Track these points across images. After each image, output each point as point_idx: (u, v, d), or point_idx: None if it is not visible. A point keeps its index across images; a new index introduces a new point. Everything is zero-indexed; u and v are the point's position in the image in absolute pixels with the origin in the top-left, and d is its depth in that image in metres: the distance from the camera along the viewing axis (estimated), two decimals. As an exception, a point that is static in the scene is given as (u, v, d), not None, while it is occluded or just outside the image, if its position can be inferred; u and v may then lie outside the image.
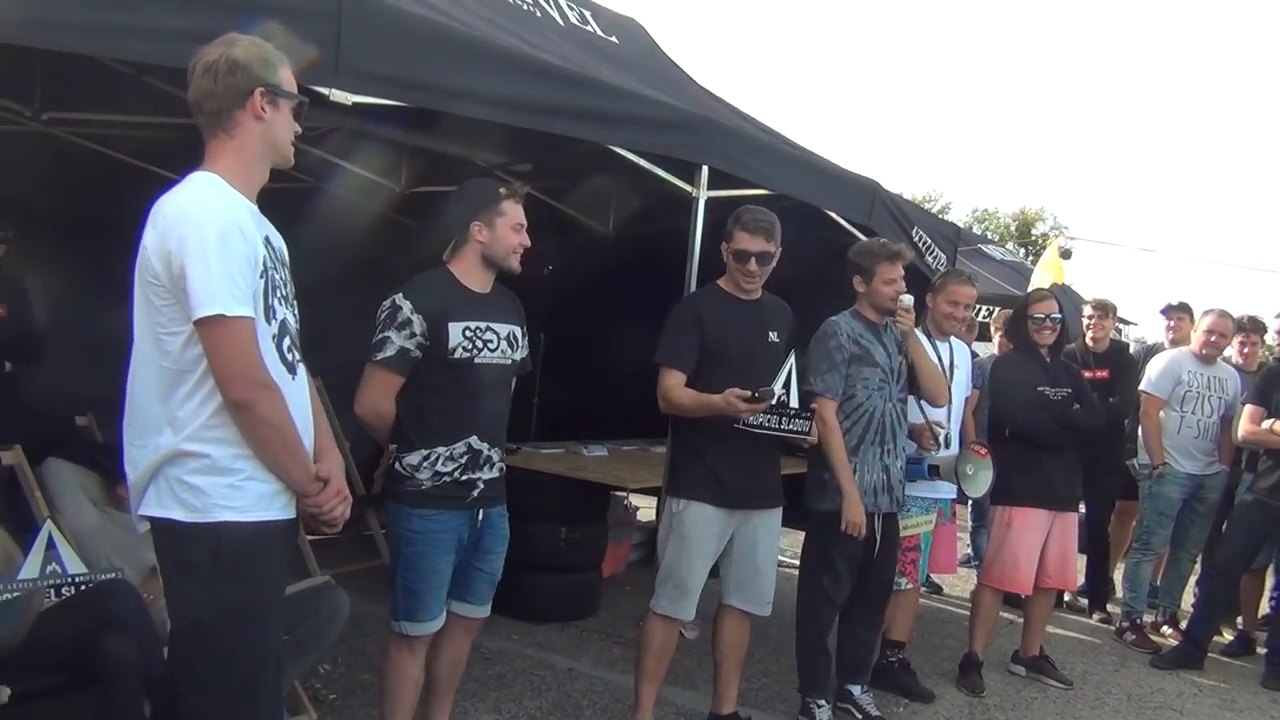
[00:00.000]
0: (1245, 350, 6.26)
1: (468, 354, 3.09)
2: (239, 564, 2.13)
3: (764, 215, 3.66)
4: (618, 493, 6.31)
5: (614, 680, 4.51)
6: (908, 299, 4.03)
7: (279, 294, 2.24)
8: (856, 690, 4.30)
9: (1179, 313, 6.61)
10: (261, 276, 2.16)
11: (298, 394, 2.26)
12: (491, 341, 3.15)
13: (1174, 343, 6.53)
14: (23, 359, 4.50)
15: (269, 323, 2.18)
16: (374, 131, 4.65)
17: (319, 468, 2.27)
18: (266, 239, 2.25)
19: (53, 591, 3.12)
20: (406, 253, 6.47)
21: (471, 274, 3.18)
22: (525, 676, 4.47)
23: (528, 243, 3.21)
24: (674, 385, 3.60)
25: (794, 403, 3.62)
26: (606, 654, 4.92)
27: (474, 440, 3.11)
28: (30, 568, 3.17)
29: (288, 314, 2.28)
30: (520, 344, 3.29)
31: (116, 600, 3.08)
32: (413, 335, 3.02)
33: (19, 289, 4.37)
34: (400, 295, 3.05)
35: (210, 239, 2.05)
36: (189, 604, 2.16)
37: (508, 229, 3.15)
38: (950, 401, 4.56)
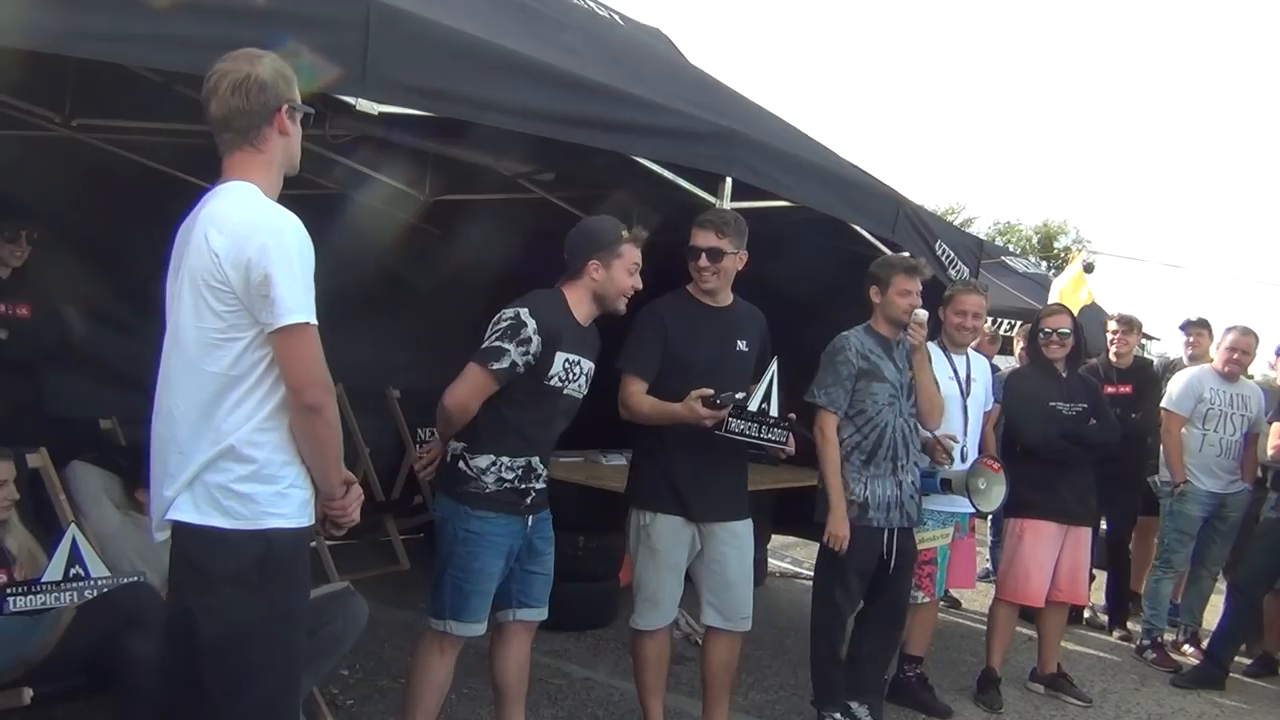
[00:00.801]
0: None
1: (560, 384, 3.19)
2: (284, 569, 2.19)
3: (721, 212, 3.66)
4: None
5: (630, 689, 4.48)
6: (921, 313, 4.01)
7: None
8: (854, 704, 4.21)
9: (1198, 329, 6.56)
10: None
11: None
12: (576, 375, 3.25)
13: (1193, 359, 6.48)
14: (49, 356, 4.53)
15: None
16: (399, 140, 4.67)
17: (346, 473, 2.34)
18: None
19: (76, 594, 3.15)
20: (430, 261, 6.52)
21: (580, 306, 3.26)
22: (541, 685, 4.47)
23: (639, 286, 3.28)
24: (635, 393, 3.55)
25: (774, 412, 3.51)
26: (623, 663, 4.90)
27: (535, 460, 3.22)
28: (54, 570, 3.20)
29: None
30: (589, 380, 3.36)
31: (139, 603, 3.10)
32: (527, 353, 3.08)
33: (43, 291, 4.41)
34: (526, 310, 3.09)
35: (293, 248, 2.13)
36: (233, 610, 2.18)
37: (623, 271, 3.23)
38: (967, 416, 4.54)
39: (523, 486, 3.19)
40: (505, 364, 3.06)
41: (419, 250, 6.49)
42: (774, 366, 3.62)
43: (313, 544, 4.40)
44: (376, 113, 2.94)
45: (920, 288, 4.08)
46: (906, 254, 5.06)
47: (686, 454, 3.58)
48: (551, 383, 3.16)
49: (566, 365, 3.17)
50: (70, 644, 2.97)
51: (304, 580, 2.30)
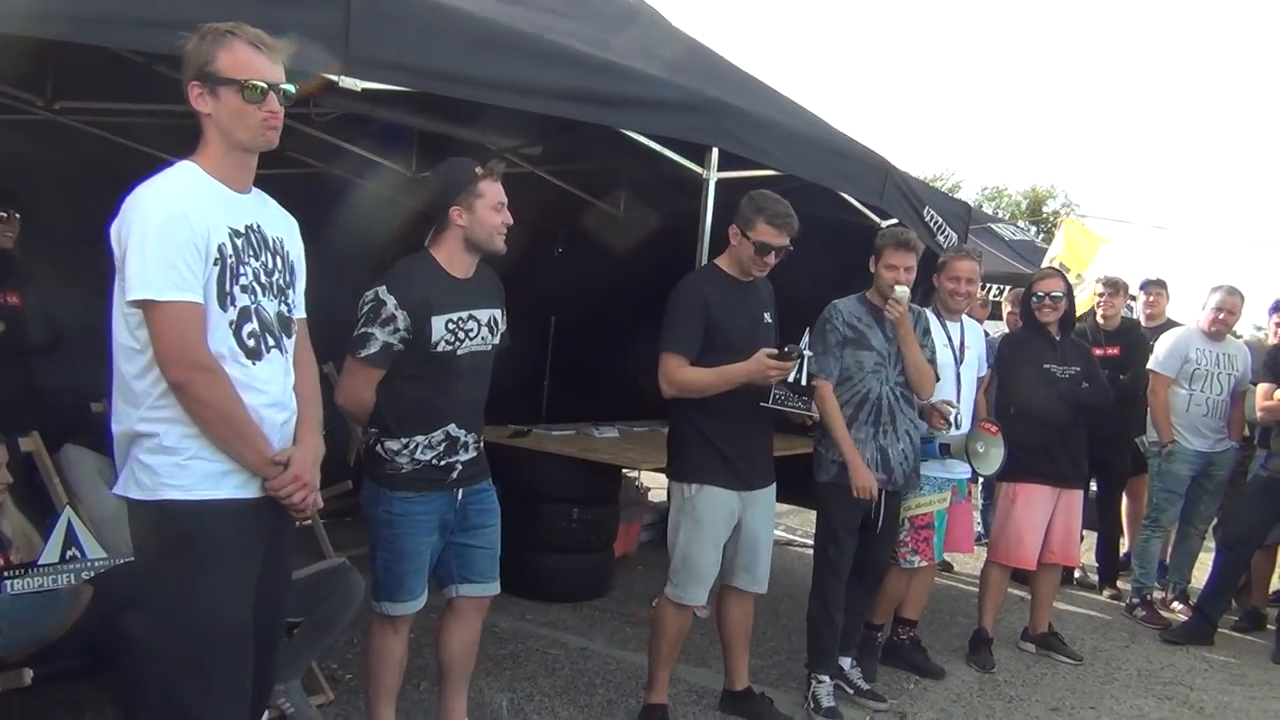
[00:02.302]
0: None
1: (450, 347, 3.06)
2: (183, 542, 2.17)
3: (786, 208, 3.62)
4: (629, 473, 6.35)
5: (627, 659, 4.55)
6: (901, 290, 4.01)
7: (243, 282, 2.25)
8: (847, 664, 4.35)
9: (1156, 288, 6.73)
10: (215, 264, 2.19)
11: (262, 379, 2.28)
12: (473, 330, 3.11)
13: (1150, 318, 6.63)
14: (43, 347, 4.53)
15: (225, 310, 2.21)
16: (384, 117, 4.66)
17: (279, 453, 2.28)
18: (248, 227, 2.28)
19: (73, 576, 3.17)
20: (416, 237, 6.50)
21: (454, 259, 3.12)
22: (539, 655, 4.52)
23: (510, 221, 3.12)
24: (681, 367, 3.58)
25: (803, 380, 3.64)
26: (619, 633, 4.96)
27: (452, 428, 3.10)
28: (50, 553, 3.21)
29: (260, 302, 2.29)
30: (500, 326, 3.24)
31: (136, 582, 3.12)
32: (396, 330, 2.96)
33: (34, 279, 4.39)
34: (384, 288, 2.98)
35: (151, 227, 2.11)
36: (139, 580, 2.26)
37: (488, 210, 3.07)
38: (960, 382, 4.58)
39: (443, 463, 3.09)
40: (375, 349, 2.96)
41: (405, 227, 6.48)
42: (807, 337, 3.73)
43: (308, 522, 4.47)
44: (359, 89, 2.93)
45: (913, 263, 4.09)
46: (897, 223, 5.08)
47: (732, 424, 3.64)
48: (439, 349, 3.02)
49: (451, 327, 3.03)
50: (74, 625, 2.99)
51: (220, 556, 2.21)
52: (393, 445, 3.05)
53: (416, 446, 3.05)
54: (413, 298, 2.98)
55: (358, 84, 2.88)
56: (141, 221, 2.11)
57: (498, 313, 3.23)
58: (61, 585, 3.10)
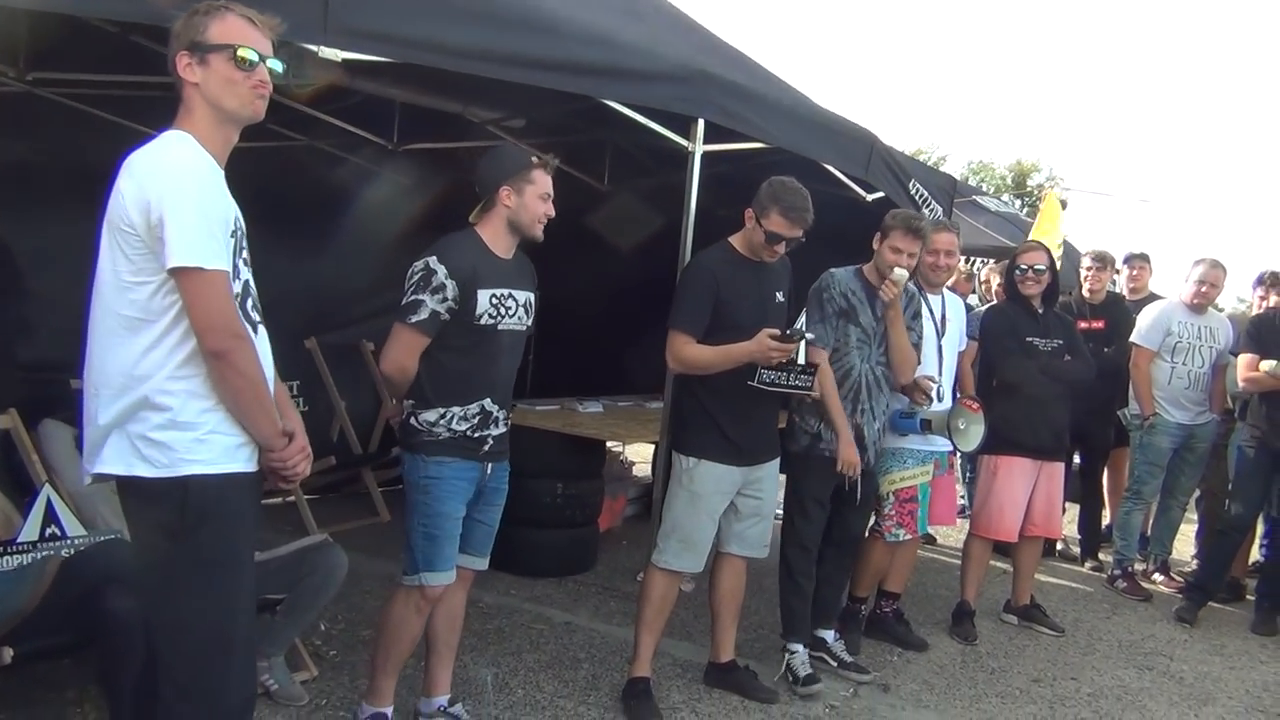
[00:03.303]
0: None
1: (493, 320, 3.15)
2: (207, 517, 2.16)
3: (804, 202, 3.61)
4: (614, 448, 6.35)
5: (611, 633, 4.56)
6: (900, 273, 4.00)
7: (244, 256, 2.28)
8: (830, 637, 4.38)
9: (1140, 261, 6.76)
10: (232, 235, 2.19)
11: (261, 352, 2.28)
12: (511, 308, 3.21)
13: (1133, 291, 6.65)
14: (16, 322, 4.48)
15: (234, 281, 2.20)
16: (364, 88, 4.60)
17: (284, 423, 2.30)
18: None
19: (53, 554, 3.14)
20: (400, 211, 6.45)
21: (498, 239, 3.22)
22: (523, 630, 4.53)
23: (553, 213, 3.23)
24: (687, 344, 3.61)
25: (800, 359, 3.67)
26: (604, 607, 4.97)
27: (487, 402, 3.19)
28: (29, 531, 3.19)
29: (249, 277, 2.31)
30: (532, 311, 3.34)
31: (115, 559, 3.10)
32: (445, 299, 3.05)
33: (7, 255, 4.35)
34: (435, 258, 3.06)
35: (191, 192, 2.09)
36: (159, 559, 2.20)
37: (535, 197, 3.18)
38: (942, 356, 4.58)
39: (477, 434, 3.18)
40: (424, 315, 3.05)
41: (389, 201, 6.42)
42: (803, 317, 3.76)
43: (291, 498, 4.45)
44: (340, 60, 2.89)
45: (918, 250, 4.07)
46: (880, 194, 5.06)
47: (736, 401, 3.67)
48: (483, 322, 3.13)
49: (494, 301, 3.15)
50: (51, 601, 2.97)
51: (237, 528, 2.24)
52: (429, 416, 3.13)
53: (453, 417, 3.14)
54: (462, 269, 3.07)
55: (338, 54, 2.85)
56: (178, 185, 2.08)
57: (532, 296, 3.34)
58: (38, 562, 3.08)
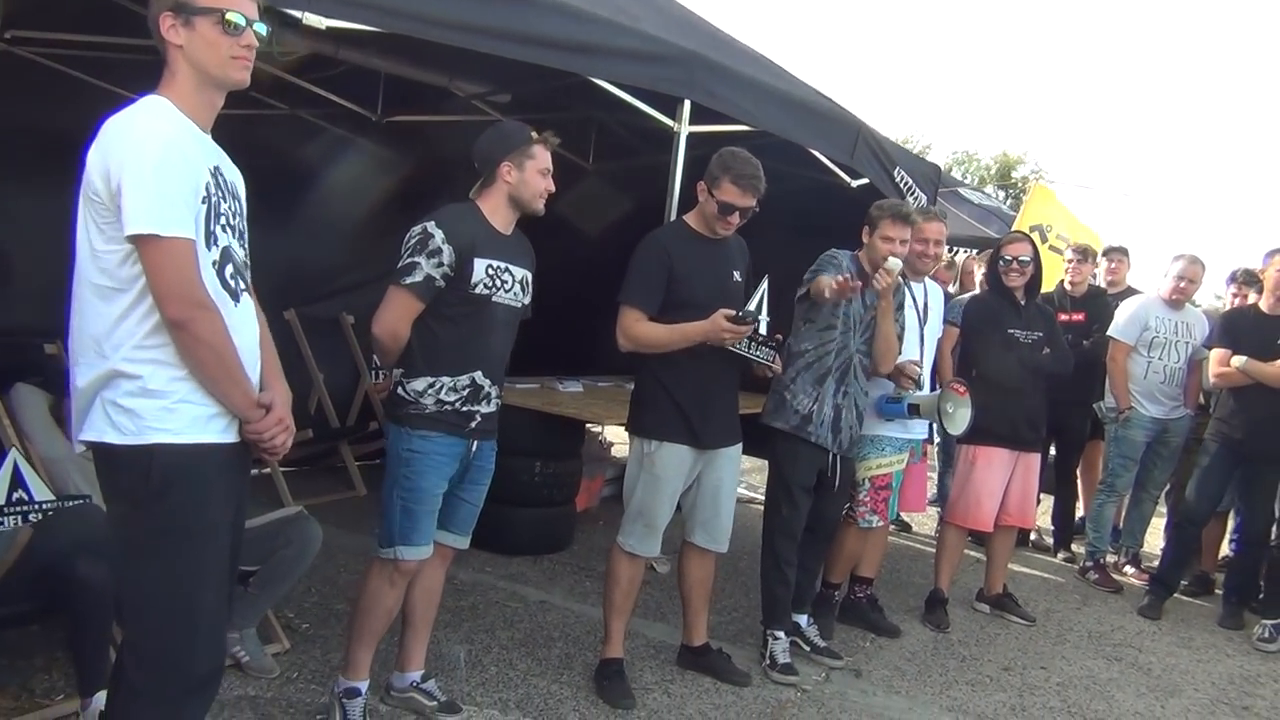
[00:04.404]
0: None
1: (488, 291, 3.13)
2: (172, 486, 2.13)
3: (754, 169, 3.58)
4: (593, 428, 6.34)
5: (586, 612, 4.57)
6: (895, 262, 4.00)
7: (222, 222, 2.22)
8: (804, 621, 4.40)
9: (1118, 255, 6.79)
10: (203, 202, 2.14)
11: (240, 321, 2.25)
12: (508, 282, 3.19)
13: (1111, 284, 6.67)
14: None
15: (209, 249, 2.16)
16: (349, 58, 4.55)
17: (261, 395, 2.26)
18: (216, 168, 2.21)
19: (19, 519, 3.11)
20: (383, 184, 6.40)
21: (498, 214, 3.20)
22: (498, 608, 4.52)
23: (552, 188, 3.23)
24: (638, 321, 3.57)
25: (763, 330, 3.63)
26: (579, 587, 4.97)
27: (478, 375, 3.17)
28: (-5, 496, 3.16)
29: (232, 243, 2.26)
30: (529, 289, 3.33)
31: (85, 525, 3.07)
32: (440, 264, 3.03)
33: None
34: (433, 223, 3.05)
35: (149, 158, 2.04)
36: (124, 527, 2.18)
37: (535, 173, 3.18)
38: (923, 343, 4.59)
39: (465, 409, 3.15)
40: (419, 278, 3.03)
41: (371, 172, 6.37)
42: (764, 285, 3.71)
43: (266, 470, 4.42)
44: (324, 28, 2.85)
45: (908, 236, 4.08)
46: (865, 180, 5.06)
47: (694, 383, 3.64)
48: (478, 290, 3.11)
49: (491, 272, 3.13)
50: (20, 568, 2.94)
51: (206, 499, 2.19)
52: (417, 385, 3.10)
53: (442, 387, 3.11)
54: (460, 235, 3.07)
55: (322, 21, 2.81)
56: (137, 152, 2.03)
57: (529, 274, 3.32)
58: (7, 528, 3.05)
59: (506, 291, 3.19)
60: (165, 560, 2.16)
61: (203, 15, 2.14)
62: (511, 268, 3.21)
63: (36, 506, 3.16)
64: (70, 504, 3.21)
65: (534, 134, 3.21)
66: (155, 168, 2.04)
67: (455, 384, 3.13)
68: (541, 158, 3.19)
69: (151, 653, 2.19)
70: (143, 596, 2.19)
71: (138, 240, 2.03)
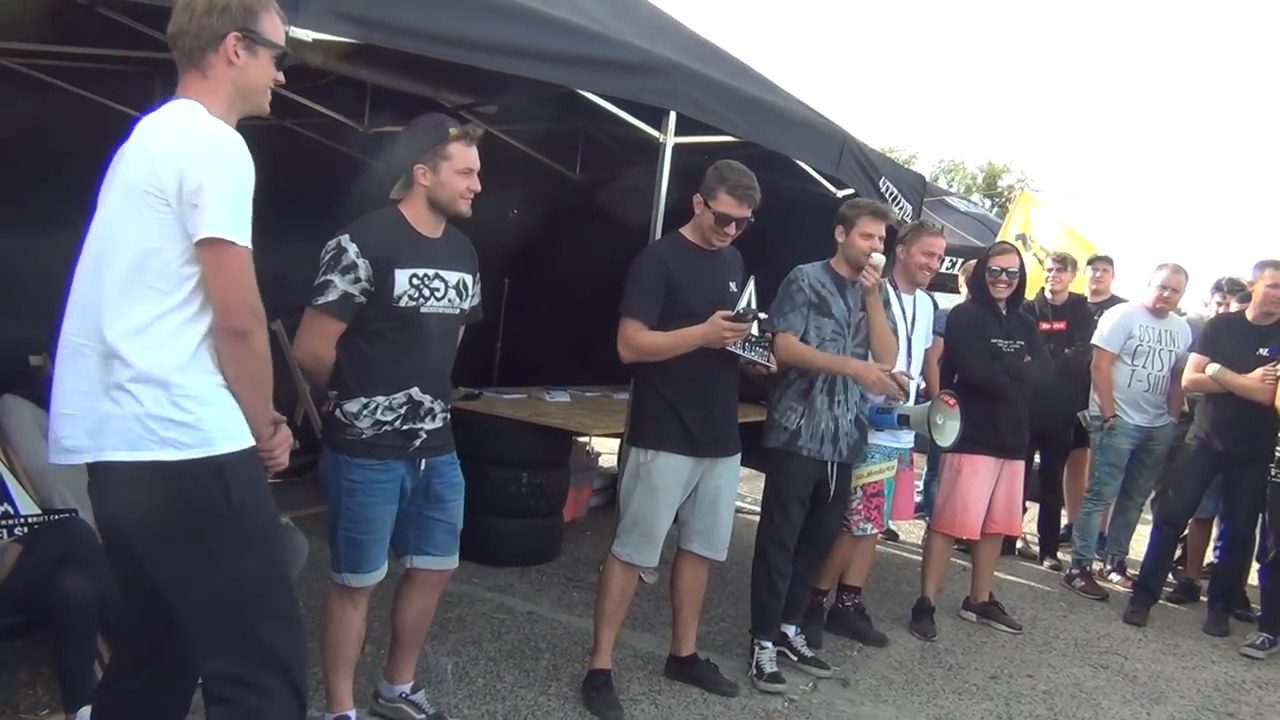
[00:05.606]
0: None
1: (414, 303, 2.96)
2: (246, 491, 2.10)
3: (750, 180, 3.60)
4: (580, 438, 6.34)
5: (574, 623, 4.56)
6: (879, 258, 4.04)
7: None
8: (791, 631, 4.40)
9: (1104, 264, 6.83)
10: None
11: None
12: (439, 290, 3.02)
13: (1095, 293, 6.71)
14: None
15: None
16: (336, 70, 4.56)
17: (274, 413, 2.26)
18: None
19: (5, 532, 3.09)
20: (370, 196, 6.38)
21: (421, 217, 3.03)
22: (485, 619, 4.51)
23: (477, 187, 3.04)
24: (639, 331, 3.57)
25: (755, 330, 3.62)
26: (566, 597, 4.96)
27: (415, 391, 3.01)
28: (-19, 509, 3.14)
29: None
30: (470, 292, 3.17)
31: (72, 539, 3.06)
32: (357, 280, 2.85)
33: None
34: (346, 236, 2.89)
35: (233, 164, 2.04)
36: (199, 543, 2.09)
37: (453, 173, 2.97)
38: (910, 354, 4.61)
39: (406, 427, 2.99)
40: (334, 297, 2.85)
41: (358, 184, 6.36)
42: (752, 284, 3.73)
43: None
44: (311, 40, 2.86)
45: (884, 232, 4.12)
46: (854, 193, 5.08)
47: (693, 392, 3.64)
48: (403, 303, 2.93)
49: (415, 282, 2.94)
50: (5, 582, 2.92)
51: (268, 494, 2.18)
52: (351, 407, 2.95)
53: (377, 407, 2.95)
54: (375, 248, 2.89)
55: (309, 34, 2.81)
56: (224, 158, 2.03)
57: (468, 277, 3.15)
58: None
59: (438, 300, 3.02)
60: (259, 563, 2.15)
61: (268, 48, 2.18)
62: (443, 273, 3.03)
63: (21, 520, 3.14)
64: (56, 517, 3.19)
65: (453, 130, 2.99)
66: (237, 176, 2.04)
67: (391, 402, 2.97)
68: (460, 157, 2.98)
69: (271, 652, 2.16)
70: (248, 605, 2.14)
71: (213, 244, 2.00)
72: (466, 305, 3.17)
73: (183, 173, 1.99)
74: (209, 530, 2.08)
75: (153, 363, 2.03)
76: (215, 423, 2.07)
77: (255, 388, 2.14)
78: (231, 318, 2.06)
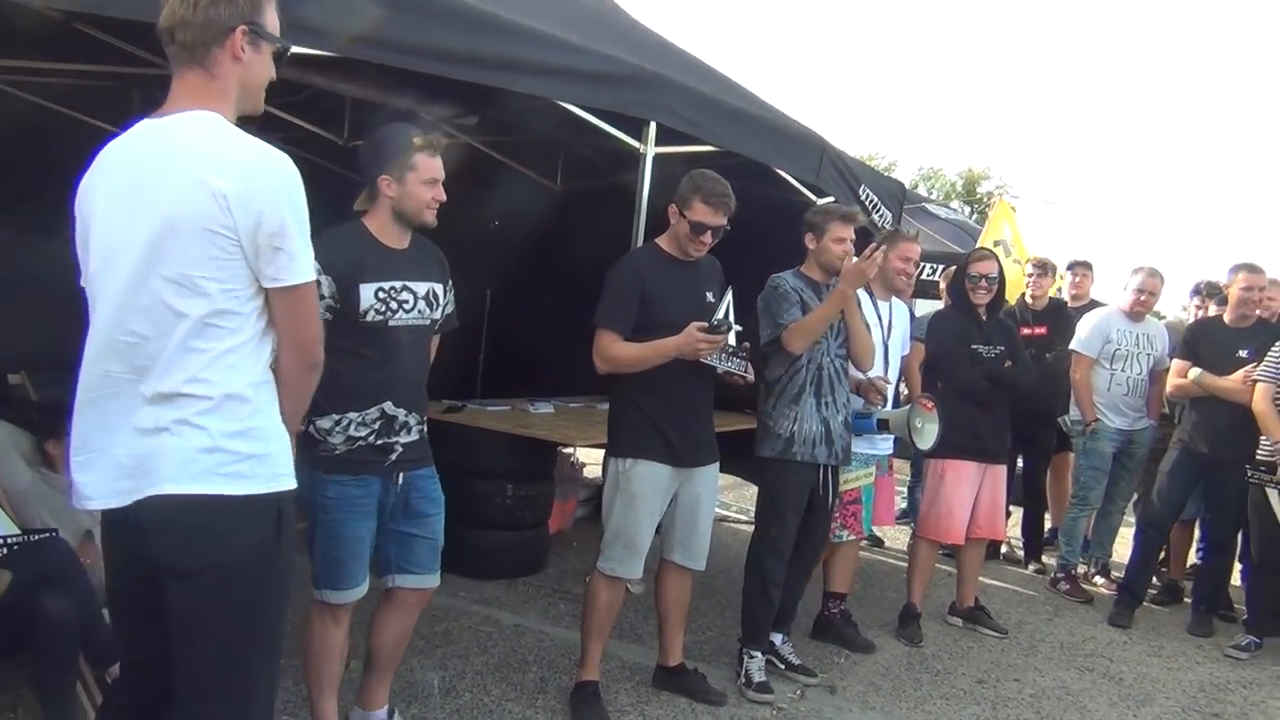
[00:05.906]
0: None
1: (381, 316, 2.93)
2: (286, 529, 2.04)
3: (724, 188, 3.59)
4: (564, 450, 6.33)
5: (560, 635, 4.54)
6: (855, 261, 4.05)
7: None
8: (778, 640, 4.40)
9: (1083, 269, 6.90)
10: None
11: None
12: (408, 302, 2.99)
13: (1075, 298, 6.77)
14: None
15: None
16: (314, 83, 4.54)
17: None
18: None
19: None
20: (349, 209, 6.36)
21: (386, 229, 3.00)
22: (472, 632, 4.49)
23: (442, 197, 3.00)
24: (614, 342, 3.56)
25: (731, 341, 3.62)
26: (553, 609, 4.95)
27: (388, 405, 2.97)
28: (-40, 530, 3.10)
29: None
30: (441, 302, 3.13)
31: (52, 560, 3.03)
32: (322, 297, 2.77)
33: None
34: None
35: (301, 198, 1.98)
36: (240, 591, 1.98)
37: (418, 184, 2.95)
38: (888, 360, 4.63)
39: (380, 442, 2.95)
40: None
41: (337, 198, 6.34)
42: (729, 295, 3.71)
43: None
44: (290, 53, 2.84)
45: (854, 235, 4.13)
46: (833, 200, 5.11)
47: (669, 401, 3.63)
48: (369, 318, 2.89)
49: (382, 295, 2.91)
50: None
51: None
52: (324, 423, 2.90)
53: (350, 423, 2.92)
54: (339, 264, 2.85)
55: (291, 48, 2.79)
56: (297, 195, 1.97)
57: (438, 286, 3.12)
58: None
59: (407, 312, 2.99)
60: (279, 610, 2.09)
61: (270, 43, 2.09)
62: (411, 284, 3.00)
63: (1, 541, 3.10)
64: (35, 538, 3.16)
65: (417, 140, 2.96)
66: (304, 209, 1.99)
67: (364, 418, 2.93)
68: (425, 167, 2.95)
69: (264, 700, 2.13)
70: (258, 650, 2.07)
71: (295, 287, 1.98)
72: (439, 315, 3.14)
73: (261, 214, 1.91)
74: (252, 568, 1.97)
75: (222, 393, 1.94)
76: (282, 458, 2.02)
77: (299, 417, 2.14)
78: (312, 352, 2.06)
